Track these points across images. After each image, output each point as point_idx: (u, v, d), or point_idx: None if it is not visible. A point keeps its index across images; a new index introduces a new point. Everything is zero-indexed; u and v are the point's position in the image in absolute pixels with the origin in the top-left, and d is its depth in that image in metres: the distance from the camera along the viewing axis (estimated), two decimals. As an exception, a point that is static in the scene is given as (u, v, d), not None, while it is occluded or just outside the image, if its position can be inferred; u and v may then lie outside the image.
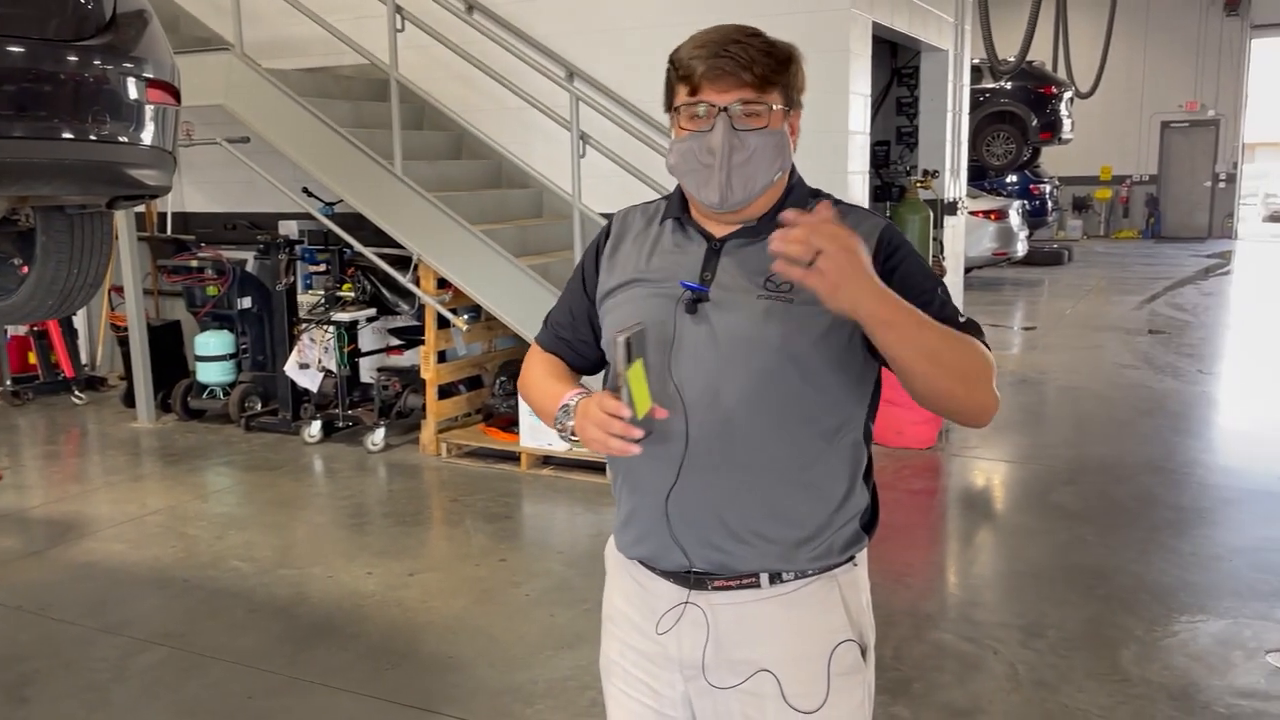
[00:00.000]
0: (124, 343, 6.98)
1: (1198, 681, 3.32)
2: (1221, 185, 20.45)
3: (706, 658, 1.56)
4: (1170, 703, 3.19)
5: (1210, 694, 3.24)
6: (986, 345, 1.49)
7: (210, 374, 6.73)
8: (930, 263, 7.57)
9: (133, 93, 3.21)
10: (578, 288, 1.70)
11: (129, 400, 6.92)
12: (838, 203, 1.59)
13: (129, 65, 3.19)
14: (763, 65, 1.46)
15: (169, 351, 7.08)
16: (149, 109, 3.26)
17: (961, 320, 1.49)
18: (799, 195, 1.58)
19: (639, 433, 1.40)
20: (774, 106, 1.49)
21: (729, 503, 1.50)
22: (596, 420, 1.42)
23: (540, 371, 1.71)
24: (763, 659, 1.54)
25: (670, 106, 1.54)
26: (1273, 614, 3.79)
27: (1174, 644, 3.58)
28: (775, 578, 1.54)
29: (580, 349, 1.72)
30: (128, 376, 6.98)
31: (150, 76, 3.25)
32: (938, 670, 3.42)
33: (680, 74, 1.50)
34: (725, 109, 1.46)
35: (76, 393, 7.42)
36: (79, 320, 7.82)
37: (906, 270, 1.50)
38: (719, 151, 1.46)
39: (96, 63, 3.09)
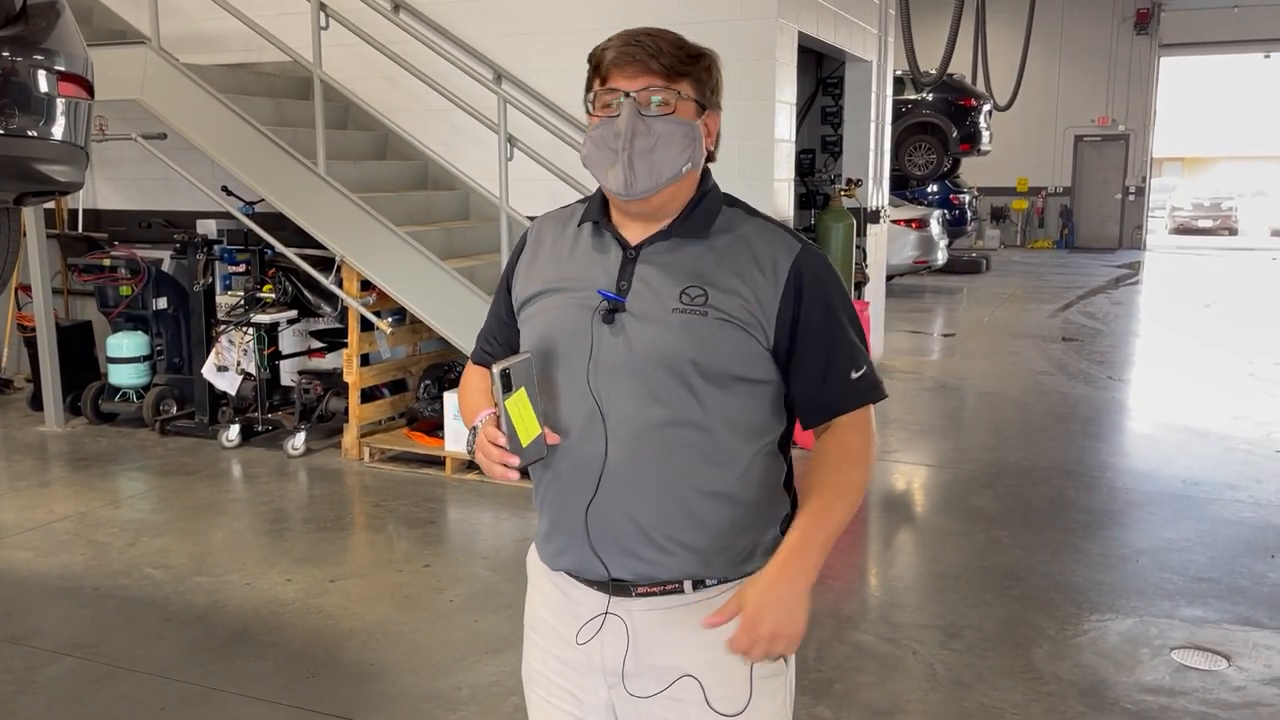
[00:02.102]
0: (31, 344, 6.74)
1: (1107, 679, 3.42)
2: (1131, 198, 21.17)
3: (627, 666, 1.56)
4: (1081, 699, 3.29)
5: (1119, 690, 3.34)
6: (875, 391, 1.57)
7: (123, 376, 6.54)
8: (853, 270, 7.70)
9: (43, 86, 3.11)
10: (500, 303, 1.71)
11: (36, 403, 6.69)
12: (753, 213, 1.60)
13: (39, 58, 3.09)
14: (670, 56, 1.49)
15: (79, 353, 6.87)
16: (60, 103, 3.16)
17: (855, 375, 1.55)
18: (712, 201, 1.58)
19: (515, 460, 1.45)
20: (683, 94, 1.50)
21: (649, 513, 1.51)
22: (480, 446, 1.50)
23: (470, 388, 1.71)
24: (686, 664, 1.55)
25: (588, 104, 1.55)
26: (1177, 612, 3.93)
27: (1084, 642, 3.69)
28: (698, 584, 1.55)
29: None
30: (35, 379, 6.75)
31: (62, 69, 3.16)
32: (859, 671, 3.48)
33: (593, 65, 1.52)
34: (632, 95, 1.48)
35: (-20, 395, 7.16)
36: (-17, 320, 7.55)
37: (811, 315, 1.53)
38: (623, 135, 1.47)
39: (5, 54, 2.99)
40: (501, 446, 1.45)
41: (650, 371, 1.49)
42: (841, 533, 1.55)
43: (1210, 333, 10.83)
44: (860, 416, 1.57)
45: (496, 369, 1.42)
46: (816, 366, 1.54)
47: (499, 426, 1.45)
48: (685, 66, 1.50)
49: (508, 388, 1.42)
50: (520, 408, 1.44)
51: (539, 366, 1.52)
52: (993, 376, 8.47)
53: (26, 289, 6.78)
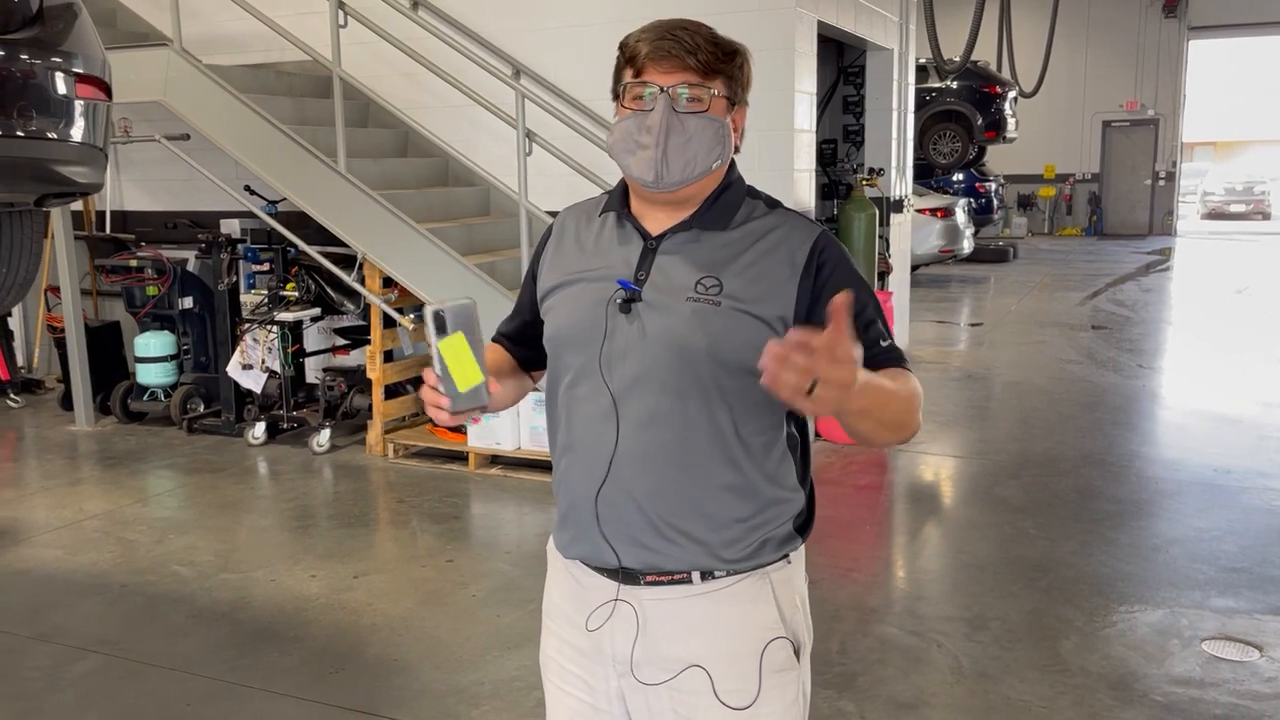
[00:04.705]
0: (61, 344, 6.83)
1: (1136, 671, 3.37)
2: (1161, 183, 20.89)
3: (636, 654, 1.56)
4: (1109, 692, 3.24)
5: (1148, 683, 3.30)
6: (906, 363, 1.51)
7: (151, 376, 6.60)
8: (876, 260, 7.64)
9: (61, 88, 3.13)
10: (525, 292, 1.73)
11: (66, 403, 6.77)
12: (774, 204, 1.60)
13: (57, 60, 3.12)
14: (707, 52, 1.48)
15: (108, 353, 6.94)
16: (78, 104, 3.18)
17: (884, 344, 1.49)
18: (735, 193, 1.57)
19: (447, 402, 1.41)
20: (716, 93, 1.50)
21: (656, 503, 1.50)
22: (423, 390, 1.47)
23: None
24: (694, 655, 1.54)
25: (617, 91, 1.54)
26: (1208, 603, 3.88)
27: (1113, 634, 3.64)
28: (707, 575, 1.54)
29: (520, 343, 1.76)
30: (65, 379, 6.83)
31: (80, 71, 3.18)
32: (883, 664, 3.45)
33: (626, 56, 1.51)
34: (667, 90, 1.47)
35: (12, 396, 7.24)
36: (14, 322, 7.64)
37: (832, 289, 1.47)
38: (656, 130, 1.46)
39: (23, 57, 3.01)
40: (436, 389, 1.42)
41: (663, 361, 1.49)
42: (885, 420, 1.40)
43: (1242, 319, 10.67)
44: (901, 372, 1.47)
45: (429, 310, 1.39)
46: None
47: (435, 370, 1.42)
48: (720, 64, 1.49)
49: (441, 330, 1.38)
50: (458, 352, 1.40)
51: (556, 352, 1.49)
52: (1020, 366, 8.39)
53: (56, 290, 6.86)
